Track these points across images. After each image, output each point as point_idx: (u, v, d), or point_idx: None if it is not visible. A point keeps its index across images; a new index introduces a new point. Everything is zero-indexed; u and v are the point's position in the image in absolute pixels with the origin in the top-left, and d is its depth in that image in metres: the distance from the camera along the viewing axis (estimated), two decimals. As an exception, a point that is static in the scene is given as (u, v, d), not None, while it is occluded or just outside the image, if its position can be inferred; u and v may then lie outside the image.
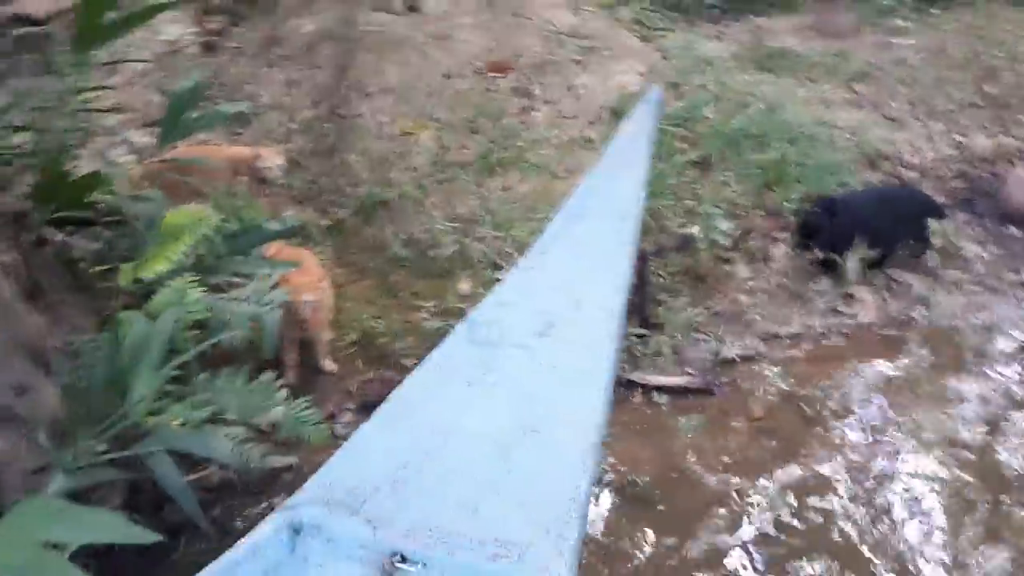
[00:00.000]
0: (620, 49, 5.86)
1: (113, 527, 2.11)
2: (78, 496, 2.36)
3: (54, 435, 2.39)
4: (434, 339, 3.66)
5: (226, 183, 3.98)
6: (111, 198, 3.22)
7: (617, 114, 5.25)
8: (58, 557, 2.07)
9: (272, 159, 4.12)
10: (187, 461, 2.70)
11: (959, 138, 5.72)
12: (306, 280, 3.22)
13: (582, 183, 3.13)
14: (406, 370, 3.57)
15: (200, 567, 2.62)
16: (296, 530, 1.90)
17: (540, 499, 1.88)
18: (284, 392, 2.77)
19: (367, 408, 3.41)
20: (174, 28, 5.36)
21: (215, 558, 2.63)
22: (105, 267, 3.02)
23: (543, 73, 5.31)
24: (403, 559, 1.81)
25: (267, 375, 2.81)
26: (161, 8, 3.88)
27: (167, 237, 2.97)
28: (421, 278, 4.11)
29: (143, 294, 2.94)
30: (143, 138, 4.77)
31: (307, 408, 2.78)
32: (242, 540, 1.87)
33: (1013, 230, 4.57)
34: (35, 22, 7.81)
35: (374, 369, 3.62)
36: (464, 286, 4.04)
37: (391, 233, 4.29)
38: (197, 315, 2.84)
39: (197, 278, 2.94)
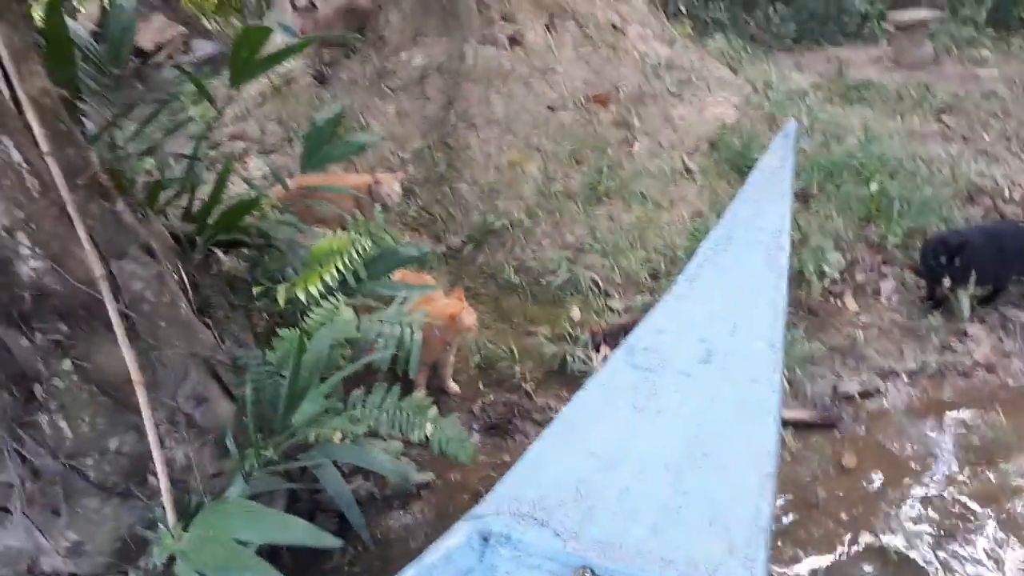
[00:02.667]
0: (713, 81, 5.95)
1: (300, 530, 2.25)
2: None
3: (235, 443, 2.54)
4: (552, 363, 3.81)
5: (349, 209, 4.15)
6: (259, 221, 3.42)
7: (715, 146, 5.35)
8: (252, 555, 2.21)
9: (391, 185, 4.28)
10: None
11: (1060, 173, 5.66)
12: (457, 303, 3.34)
13: (726, 213, 3.21)
14: (527, 394, 3.72)
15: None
16: (485, 538, 2.00)
17: (722, 522, 1.94)
18: (434, 410, 2.88)
19: (491, 429, 3.55)
20: (287, 60, 5.61)
21: (370, 567, 2.77)
22: (259, 287, 3.20)
23: (642, 105, 5.42)
24: (592, 573, 1.90)
25: (418, 393, 2.94)
26: (303, 46, 4.10)
27: (317, 260, 3.12)
28: (534, 304, 4.23)
29: (293, 312, 3.11)
30: (263, 165, 5.02)
31: (455, 426, 2.88)
32: (434, 546, 1.99)
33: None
34: (144, 53, 8.29)
35: (495, 392, 3.72)
36: (576, 313, 4.14)
37: (503, 260, 4.43)
38: (348, 334, 2.99)
39: (344, 299, 3.10)
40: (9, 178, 2.30)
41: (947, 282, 4.06)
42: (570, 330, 4.01)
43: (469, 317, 3.29)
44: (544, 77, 5.24)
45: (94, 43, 3.47)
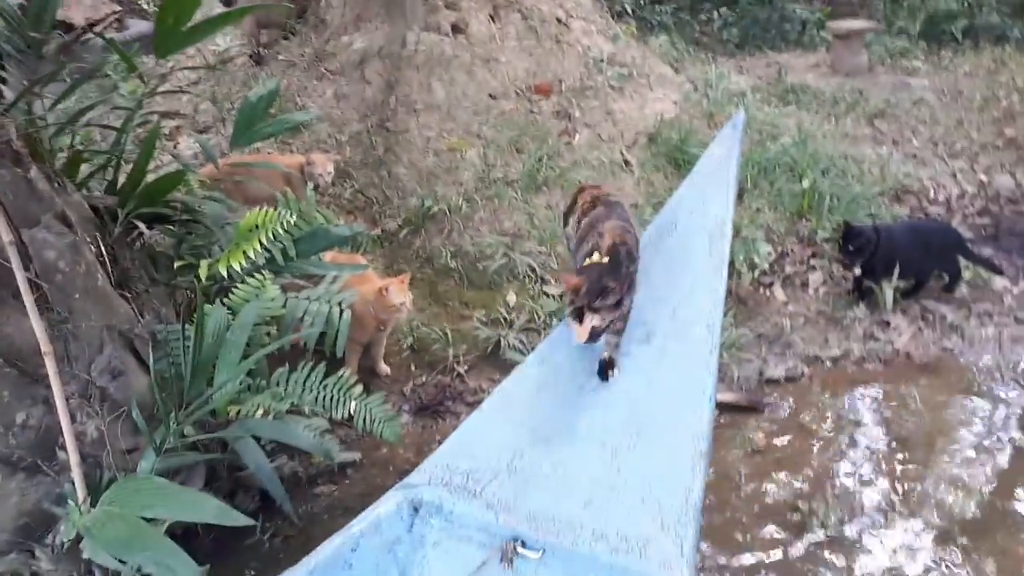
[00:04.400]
0: (654, 78, 6.02)
1: (210, 508, 2.19)
2: (164, 477, 2.42)
3: (147, 418, 2.46)
4: (485, 347, 3.80)
5: (279, 188, 4.07)
6: (186, 197, 3.32)
7: (653, 140, 5.41)
8: (157, 532, 2.14)
9: (323, 165, 4.20)
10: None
11: (982, 177, 5.88)
12: (395, 282, 3.29)
13: (671, 200, 3.22)
14: (459, 376, 3.70)
15: (273, 552, 2.69)
16: (415, 508, 1.98)
17: (655, 499, 1.95)
18: (359, 388, 2.84)
19: (423, 410, 3.52)
20: (223, 39, 5.49)
21: (292, 543, 2.71)
22: (182, 262, 3.11)
23: (583, 97, 5.45)
24: (523, 545, 1.89)
25: (343, 371, 2.89)
26: (238, 15, 3.99)
27: (242, 236, 3.04)
28: (470, 288, 4.21)
29: (217, 289, 3.03)
30: (194, 144, 4.88)
31: (381, 404, 2.85)
32: (363, 514, 1.96)
33: (1043, 267, 4.70)
34: (73, 29, 7.98)
35: (427, 374, 3.69)
36: (512, 297, 4.13)
37: (440, 244, 4.39)
38: (274, 311, 2.93)
39: (270, 277, 3.04)
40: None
41: (856, 271, 4.23)
42: (505, 314, 4.01)
43: (398, 294, 3.24)
44: (487, 66, 5.22)
45: (18, 12, 3.33)
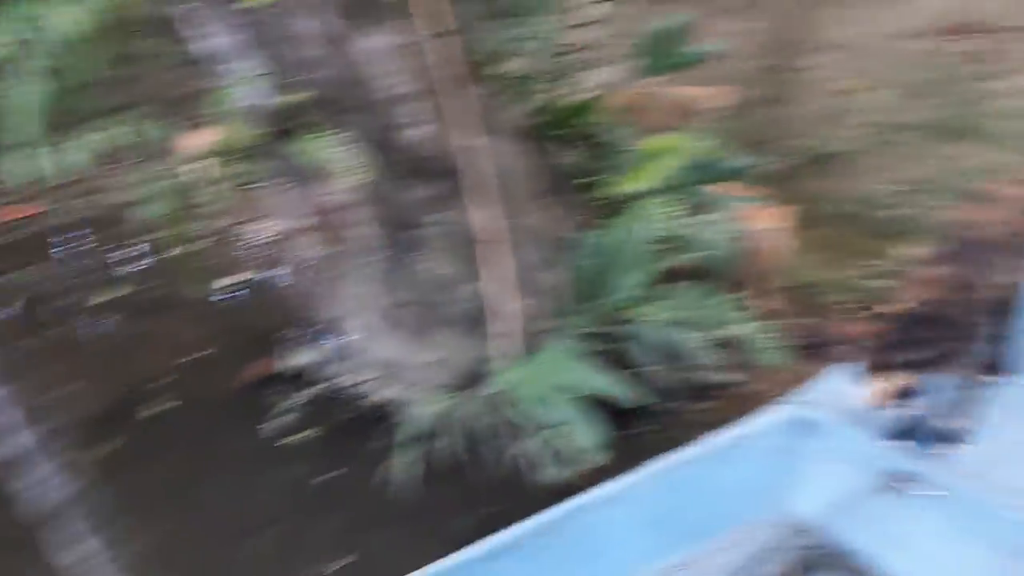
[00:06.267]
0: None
1: (618, 386, 2.50)
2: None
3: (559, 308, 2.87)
4: (870, 297, 3.68)
5: (676, 119, 4.26)
6: (596, 121, 3.66)
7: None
8: (567, 398, 2.51)
9: (719, 100, 4.30)
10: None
11: None
12: (775, 218, 3.37)
13: None
14: (836, 322, 3.64)
15: (635, 450, 2.95)
16: (798, 424, 2.10)
17: None
18: (742, 312, 2.98)
19: (801, 349, 3.54)
20: (631, -24, 5.77)
21: (659, 440, 2.95)
22: (588, 179, 3.47)
23: (1006, 40, 4.84)
24: (899, 478, 1.92)
25: (725, 294, 3.06)
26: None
27: (645, 159, 3.29)
28: (862, 236, 4.07)
29: (617, 205, 3.34)
30: (600, 73, 5.27)
31: (766, 333, 2.96)
32: (749, 419, 2.12)
33: None
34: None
35: (804, 315, 3.70)
36: (905, 251, 3.92)
37: (833, 187, 4.30)
38: (668, 231, 3.16)
39: (665, 199, 3.26)
40: (414, 53, 2.75)
41: None
42: (898, 268, 3.83)
43: (754, 220, 3.28)
44: (894, 4, 4.87)
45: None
